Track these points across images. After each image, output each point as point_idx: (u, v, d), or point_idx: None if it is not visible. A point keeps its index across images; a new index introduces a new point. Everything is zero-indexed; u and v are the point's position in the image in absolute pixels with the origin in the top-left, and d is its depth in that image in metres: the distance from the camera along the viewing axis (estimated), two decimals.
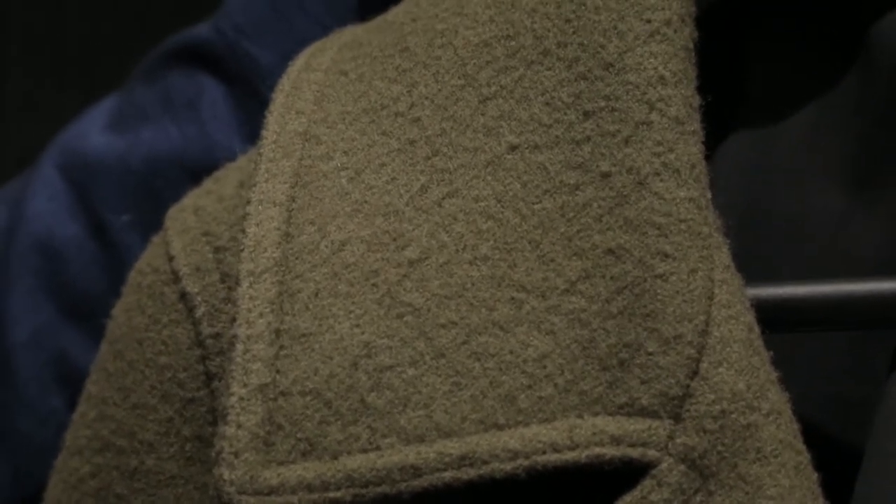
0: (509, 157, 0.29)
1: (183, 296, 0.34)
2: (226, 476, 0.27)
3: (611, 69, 0.29)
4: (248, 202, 0.31)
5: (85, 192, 0.41)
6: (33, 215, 0.40)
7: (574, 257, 0.28)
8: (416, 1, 0.36)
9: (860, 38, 0.32)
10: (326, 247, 0.30)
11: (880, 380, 0.29)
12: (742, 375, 0.26)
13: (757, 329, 0.27)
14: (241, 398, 0.28)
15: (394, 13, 0.35)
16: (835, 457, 0.29)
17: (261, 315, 0.29)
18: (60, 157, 0.41)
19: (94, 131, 0.42)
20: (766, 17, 0.34)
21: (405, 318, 0.28)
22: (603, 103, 0.29)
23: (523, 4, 0.33)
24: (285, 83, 0.34)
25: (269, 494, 0.27)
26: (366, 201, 0.31)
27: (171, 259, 0.34)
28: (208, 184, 0.37)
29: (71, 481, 0.35)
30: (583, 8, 0.31)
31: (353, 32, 0.36)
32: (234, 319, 0.30)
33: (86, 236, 0.41)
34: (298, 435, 0.28)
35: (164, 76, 0.42)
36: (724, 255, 0.28)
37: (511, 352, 0.27)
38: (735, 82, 0.34)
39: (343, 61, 0.34)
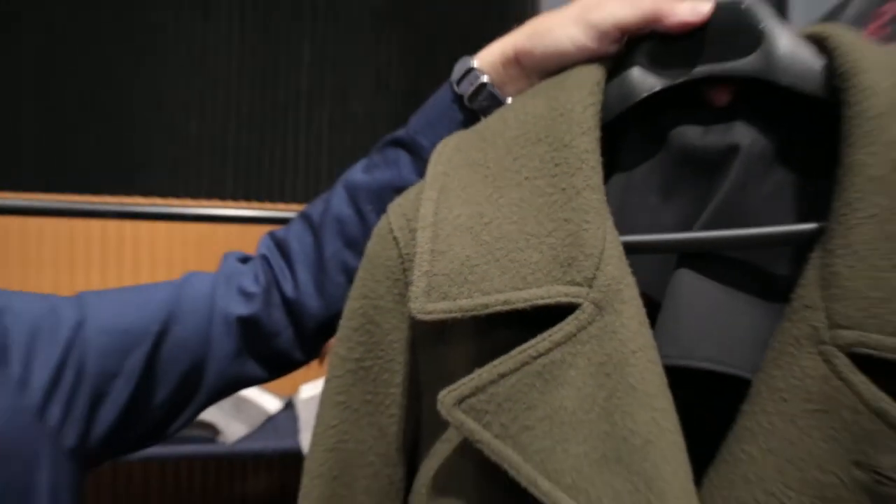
0: (525, 182, 0.49)
1: (395, 239, 0.55)
2: (412, 307, 0.47)
3: (566, 146, 0.48)
4: (420, 200, 0.52)
5: (354, 196, 0.65)
6: (334, 205, 0.65)
7: (551, 222, 0.47)
8: (491, 117, 0.55)
9: (667, 140, 0.53)
10: (451, 219, 0.49)
11: (671, 272, 0.50)
12: (617, 269, 0.45)
13: (623, 252, 0.46)
14: (417, 276, 0.47)
15: (480, 124, 0.56)
16: (653, 306, 0.48)
17: (425, 244, 0.48)
18: (343, 182, 0.66)
19: (358, 172, 0.66)
20: (629, 129, 0.54)
21: (483, 246, 0.47)
22: (562, 159, 0.48)
23: (530, 120, 0.52)
24: (435, 152, 0.55)
25: (428, 314, 0.46)
26: (467, 199, 0.49)
27: (389, 224, 0.56)
28: (405, 194, 0.58)
29: (349, 314, 0.57)
30: (554, 122, 0.50)
31: (463, 132, 0.57)
32: (414, 247, 0.50)
33: (354, 215, 0.65)
34: (440, 291, 0.46)
35: (384, 150, 0.65)
36: (610, 223, 0.47)
37: (525, 260, 0.46)
38: (615, 157, 0.54)
39: (459, 143, 0.55)
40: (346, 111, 2.19)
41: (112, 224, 1.94)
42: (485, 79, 0.61)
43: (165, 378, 0.66)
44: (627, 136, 0.53)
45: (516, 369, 0.44)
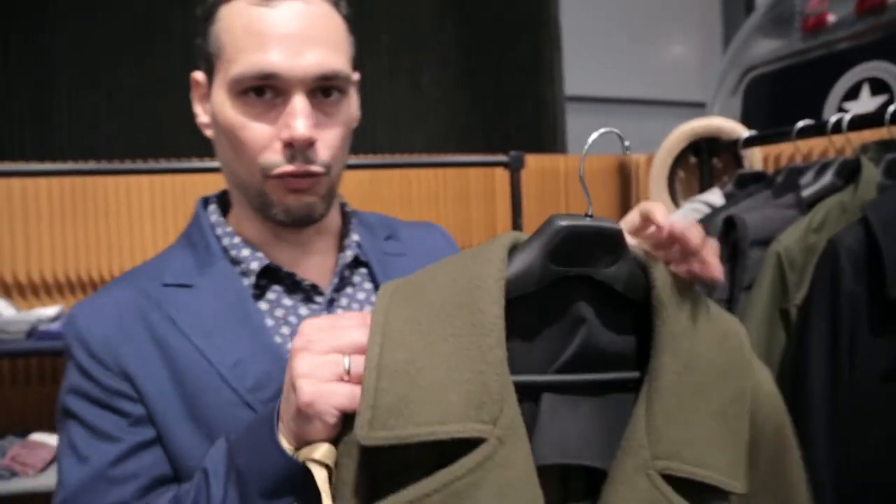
0: (450, 338, 0.55)
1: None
2: (358, 434, 0.52)
3: (481, 311, 0.55)
4: (371, 335, 0.55)
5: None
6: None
7: (469, 372, 0.53)
8: (424, 277, 0.60)
9: (546, 308, 0.61)
10: (392, 363, 0.54)
11: (538, 405, 0.59)
12: (513, 411, 0.53)
13: (516, 398, 0.54)
14: (363, 409, 0.52)
15: (415, 282, 0.60)
16: (529, 423, 0.56)
17: (371, 382, 0.53)
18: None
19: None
20: (519, 301, 0.60)
21: (416, 388, 0.52)
22: (478, 321, 0.55)
23: (456, 287, 0.57)
24: (378, 301, 0.58)
25: (371, 440, 0.51)
26: (404, 348, 0.55)
27: None
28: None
29: None
30: (472, 292, 0.56)
31: (399, 285, 0.60)
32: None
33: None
34: (381, 422, 0.52)
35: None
36: (509, 375, 0.54)
37: (448, 400, 0.52)
38: (512, 317, 0.58)
39: (397, 299, 0.58)
40: None
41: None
42: None
43: None
44: (522, 301, 0.62)
45: (439, 489, 0.52)
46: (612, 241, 0.61)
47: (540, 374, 0.61)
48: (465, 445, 0.53)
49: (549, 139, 3.60)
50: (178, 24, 3.11)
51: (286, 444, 0.58)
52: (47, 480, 1.91)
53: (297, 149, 0.71)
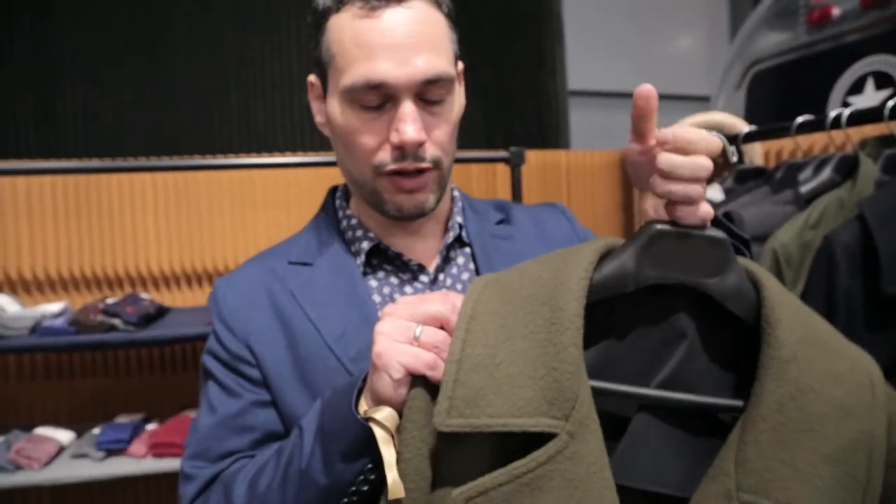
0: (529, 335, 0.56)
1: None
2: (435, 420, 0.55)
3: (561, 309, 0.56)
4: (456, 329, 0.58)
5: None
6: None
7: (543, 369, 0.55)
8: (514, 273, 0.62)
9: (641, 315, 0.61)
10: (473, 356, 0.56)
11: (635, 409, 0.60)
12: (586, 409, 0.54)
13: (591, 396, 0.55)
14: (442, 399, 0.55)
15: (506, 277, 0.62)
16: (613, 433, 0.58)
17: (451, 374, 0.55)
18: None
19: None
20: (604, 304, 0.61)
21: (493, 380, 0.54)
22: (557, 319, 0.56)
23: (539, 283, 0.58)
24: (470, 291, 0.61)
25: (447, 427, 0.54)
26: (485, 343, 0.57)
27: None
28: None
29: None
30: (555, 289, 0.57)
31: (493, 280, 0.62)
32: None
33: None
34: (458, 411, 0.54)
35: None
36: (584, 373, 0.55)
37: (522, 395, 0.53)
38: (604, 317, 0.61)
39: (486, 292, 0.61)
40: None
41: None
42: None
43: None
44: (614, 303, 0.62)
45: (511, 480, 0.53)
46: (714, 250, 0.58)
47: (637, 386, 0.60)
48: (536, 438, 0.54)
49: (553, 134, 3.59)
50: (181, 22, 3.13)
51: (362, 405, 0.64)
52: (52, 474, 1.93)
53: (408, 151, 0.77)
